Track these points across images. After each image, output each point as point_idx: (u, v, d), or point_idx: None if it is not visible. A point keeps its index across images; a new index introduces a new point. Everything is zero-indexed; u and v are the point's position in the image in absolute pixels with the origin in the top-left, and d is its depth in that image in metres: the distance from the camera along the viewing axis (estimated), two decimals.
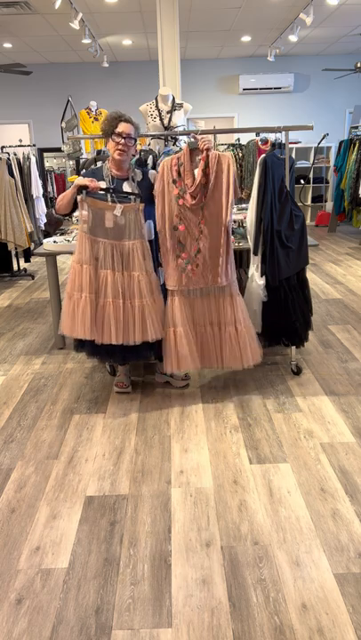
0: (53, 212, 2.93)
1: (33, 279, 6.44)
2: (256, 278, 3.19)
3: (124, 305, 2.88)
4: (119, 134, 2.78)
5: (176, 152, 3.64)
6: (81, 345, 3.03)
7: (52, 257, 3.92)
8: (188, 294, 3.02)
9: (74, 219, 5.43)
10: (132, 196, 2.86)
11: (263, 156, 3.11)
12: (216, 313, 3.02)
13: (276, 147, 3.32)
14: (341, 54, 10.06)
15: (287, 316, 3.23)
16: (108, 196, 2.84)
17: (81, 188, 2.80)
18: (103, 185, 2.85)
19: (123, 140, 2.78)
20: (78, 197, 2.83)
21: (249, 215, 3.22)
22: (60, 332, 2.97)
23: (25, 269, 6.71)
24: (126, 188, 2.89)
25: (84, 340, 2.91)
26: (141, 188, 2.93)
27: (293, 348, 3.44)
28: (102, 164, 2.98)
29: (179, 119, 4.96)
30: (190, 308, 3.03)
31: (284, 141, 3.31)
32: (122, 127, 2.78)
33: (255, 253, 3.17)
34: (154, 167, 3.60)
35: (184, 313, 3.01)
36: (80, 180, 2.80)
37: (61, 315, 2.94)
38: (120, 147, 2.80)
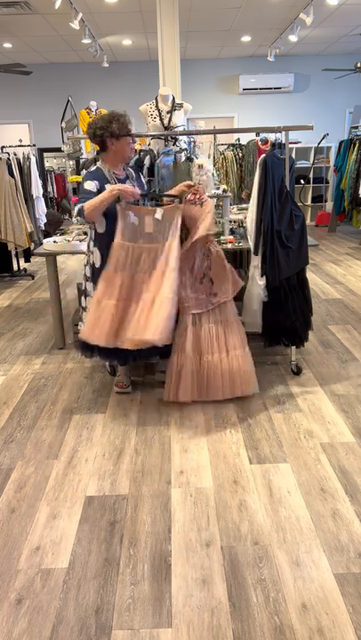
0: (83, 217, 2.86)
1: (33, 279, 6.44)
2: (256, 278, 3.19)
3: (152, 303, 2.80)
4: (128, 132, 2.84)
5: (176, 152, 3.64)
6: (89, 349, 2.97)
7: (52, 257, 3.92)
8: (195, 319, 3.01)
9: (74, 219, 5.43)
10: (168, 198, 2.93)
11: (263, 156, 3.11)
12: (217, 339, 3.00)
13: (276, 147, 3.32)
14: (341, 54, 10.06)
15: (287, 316, 3.23)
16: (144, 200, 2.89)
17: (118, 197, 2.76)
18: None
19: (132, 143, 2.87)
20: (118, 206, 2.80)
21: (249, 215, 3.22)
22: (79, 337, 2.91)
23: (25, 269, 6.71)
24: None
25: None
26: (138, 185, 2.97)
27: (293, 348, 3.44)
28: (96, 165, 2.95)
29: (179, 119, 4.95)
30: (197, 334, 3.00)
31: (284, 141, 3.31)
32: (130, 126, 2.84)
33: (255, 253, 3.17)
34: (151, 167, 3.63)
35: (192, 339, 2.98)
36: (120, 187, 2.73)
37: (86, 320, 2.89)
38: (131, 146, 2.88)
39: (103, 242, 2.90)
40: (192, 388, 2.98)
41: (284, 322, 3.24)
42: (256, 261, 3.19)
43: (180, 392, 2.98)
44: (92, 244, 3.00)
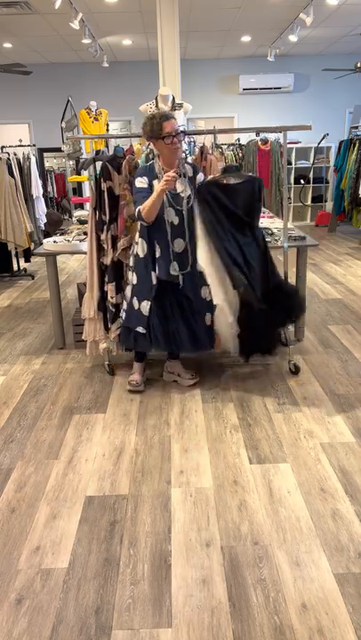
0: (142, 220, 2.89)
1: (33, 279, 6.44)
2: (226, 311, 3.03)
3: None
4: (169, 134, 2.78)
5: None
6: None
7: (52, 257, 3.92)
8: None
9: (74, 219, 5.43)
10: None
11: (198, 186, 2.97)
12: None
13: (228, 170, 3.10)
14: (341, 54, 10.06)
15: (256, 333, 3.09)
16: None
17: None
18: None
19: (174, 139, 2.79)
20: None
21: (204, 255, 3.01)
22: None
23: (25, 269, 6.71)
24: (178, 185, 2.91)
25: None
26: (193, 184, 2.96)
27: (291, 347, 3.43)
28: (152, 161, 2.98)
29: (179, 119, 4.96)
30: None
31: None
32: (168, 127, 2.78)
33: (237, 287, 3.00)
34: None
35: None
36: (162, 186, 2.73)
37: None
38: (173, 145, 2.81)
39: (147, 232, 2.95)
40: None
41: (256, 338, 3.12)
42: (222, 294, 3.01)
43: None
44: (137, 235, 3.03)
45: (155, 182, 2.87)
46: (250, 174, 3.17)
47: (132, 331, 3.08)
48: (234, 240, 3.01)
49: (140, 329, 3.03)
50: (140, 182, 2.88)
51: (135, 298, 3.05)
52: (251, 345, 3.17)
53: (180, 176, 2.87)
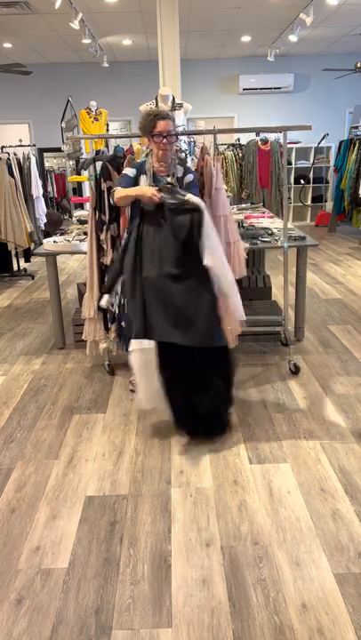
0: (112, 200, 2.86)
1: (33, 279, 6.44)
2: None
3: None
4: (159, 134, 2.77)
5: (177, 150, 3.64)
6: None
7: (52, 257, 3.92)
8: None
9: (74, 219, 5.43)
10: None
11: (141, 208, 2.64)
12: None
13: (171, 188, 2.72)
14: (341, 54, 10.05)
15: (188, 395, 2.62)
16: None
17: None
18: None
19: (164, 140, 2.79)
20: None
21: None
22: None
23: (25, 269, 6.71)
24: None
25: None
26: (180, 183, 2.94)
27: (291, 347, 3.43)
28: (146, 158, 2.98)
29: (179, 119, 4.96)
30: None
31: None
32: (160, 126, 2.76)
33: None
34: None
35: None
36: (140, 192, 2.68)
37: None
38: (162, 145, 2.80)
39: (128, 226, 2.96)
40: None
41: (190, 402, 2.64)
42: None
43: None
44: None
45: (142, 177, 2.88)
46: (190, 199, 2.60)
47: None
48: (151, 263, 2.58)
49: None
50: (127, 171, 2.92)
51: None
52: (183, 408, 2.65)
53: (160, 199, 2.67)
